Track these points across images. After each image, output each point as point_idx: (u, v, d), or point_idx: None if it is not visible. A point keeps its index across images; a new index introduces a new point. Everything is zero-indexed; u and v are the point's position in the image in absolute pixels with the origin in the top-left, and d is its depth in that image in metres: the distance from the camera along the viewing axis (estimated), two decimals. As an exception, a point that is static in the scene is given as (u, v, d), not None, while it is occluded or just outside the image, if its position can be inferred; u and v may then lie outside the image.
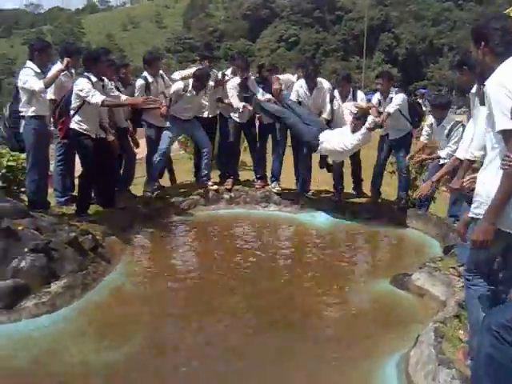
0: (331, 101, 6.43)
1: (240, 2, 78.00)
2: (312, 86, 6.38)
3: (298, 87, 6.47)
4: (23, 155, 5.37)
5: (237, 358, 3.18)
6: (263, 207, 6.65)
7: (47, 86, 5.03)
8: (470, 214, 2.53)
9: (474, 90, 3.73)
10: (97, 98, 4.97)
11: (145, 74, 6.47)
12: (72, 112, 5.17)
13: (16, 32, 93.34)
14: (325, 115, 6.45)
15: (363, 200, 6.62)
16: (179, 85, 6.40)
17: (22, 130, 5.10)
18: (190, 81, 6.40)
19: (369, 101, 6.58)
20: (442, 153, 5.27)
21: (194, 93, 6.38)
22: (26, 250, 3.92)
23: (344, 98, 6.46)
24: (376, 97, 6.31)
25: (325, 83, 6.50)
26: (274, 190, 6.74)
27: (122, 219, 5.50)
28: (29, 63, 5.04)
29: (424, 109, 10.67)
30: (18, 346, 3.19)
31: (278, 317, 3.76)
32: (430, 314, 3.54)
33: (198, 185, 6.92)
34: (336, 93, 6.49)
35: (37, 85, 4.91)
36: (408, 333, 3.36)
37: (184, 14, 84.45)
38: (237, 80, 6.59)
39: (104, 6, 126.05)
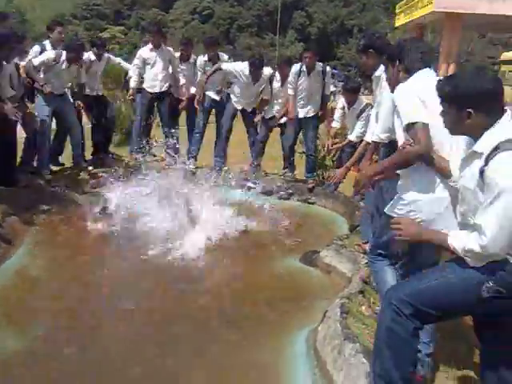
0: (270, 82, 6.59)
1: (152, -30, 74.90)
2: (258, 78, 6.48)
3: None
4: None
5: (143, 340, 3.13)
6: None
7: None
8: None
9: (377, 72, 3.87)
10: None
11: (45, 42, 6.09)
12: None
13: None
14: (265, 96, 6.70)
15: (274, 178, 6.74)
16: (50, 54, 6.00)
17: None
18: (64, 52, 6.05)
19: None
20: (351, 136, 5.47)
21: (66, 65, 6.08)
22: None
23: (284, 80, 6.49)
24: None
25: (266, 71, 6.56)
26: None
27: (25, 198, 5.17)
28: None
29: (334, 89, 10.97)
30: None
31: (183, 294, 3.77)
32: (336, 291, 3.69)
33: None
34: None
35: None
36: (316, 309, 3.48)
37: (92, -22, 79.62)
38: None
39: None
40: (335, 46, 53.06)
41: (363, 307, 3.29)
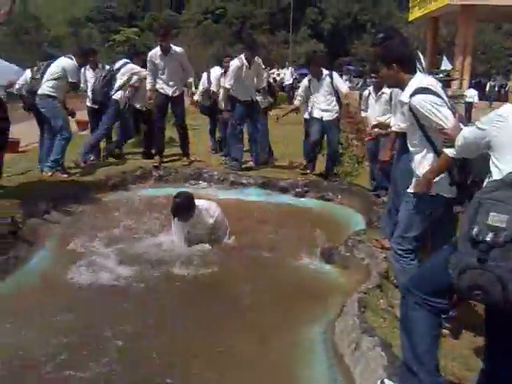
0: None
1: (165, -29, 75.27)
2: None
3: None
4: None
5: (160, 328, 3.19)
6: (192, 185, 6.62)
7: None
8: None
9: None
10: None
11: None
12: None
13: None
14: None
15: (291, 176, 6.76)
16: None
17: None
18: None
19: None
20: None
21: None
22: None
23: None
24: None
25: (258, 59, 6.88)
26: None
27: (45, 199, 5.26)
28: None
29: (350, 85, 11.02)
30: None
31: (203, 285, 3.85)
32: (354, 285, 3.70)
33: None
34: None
35: None
36: (334, 304, 3.50)
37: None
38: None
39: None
40: (349, 41, 52.64)
41: (381, 301, 3.30)
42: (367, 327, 2.89)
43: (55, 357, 2.84)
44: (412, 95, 2.80)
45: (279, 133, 9.42)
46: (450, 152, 2.59)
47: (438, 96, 2.78)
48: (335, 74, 6.46)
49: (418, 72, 2.95)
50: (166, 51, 6.74)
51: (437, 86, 2.86)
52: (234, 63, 6.79)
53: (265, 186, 6.48)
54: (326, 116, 6.38)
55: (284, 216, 5.66)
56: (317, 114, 6.43)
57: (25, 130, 9.91)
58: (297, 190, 6.36)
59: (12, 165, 6.72)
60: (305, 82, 6.72)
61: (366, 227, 4.88)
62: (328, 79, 6.31)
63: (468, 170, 2.67)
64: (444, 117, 2.71)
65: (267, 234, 4.97)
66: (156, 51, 6.82)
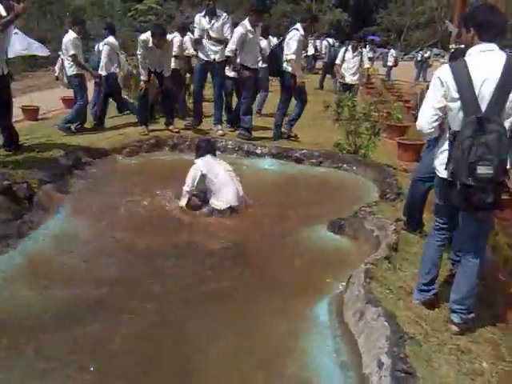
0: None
1: None
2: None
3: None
4: None
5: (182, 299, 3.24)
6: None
7: None
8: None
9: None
10: None
11: None
12: None
13: None
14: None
15: (306, 146, 6.71)
16: None
17: None
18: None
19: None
20: None
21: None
22: (-45, 197, 3.76)
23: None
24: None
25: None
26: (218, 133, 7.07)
27: (60, 166, 5.33)
28: None
29: (372, 55, 11.30)
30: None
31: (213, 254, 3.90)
32: (362, 257, 3.68)
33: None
34: None
35: None
36: (342, 275, 3.50)
37: None
38: None
39: None
40: (374, 11, 51.21)
41: (388, 273, 3.28)
42: (372, 298, 2.89)
43: (79, 313, 2.98)
44: None
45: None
46: None
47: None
48: None
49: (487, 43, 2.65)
50: (212, 13, 6.81)
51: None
52: (238, 30, 6.72)
53: (279, 157, 6.45)
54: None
55: (297, 185, 5.65)
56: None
57: (46, 98, 10.05)
58: (311, 160, 6.31)
59: (30, 132, 6.81)
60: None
61: (378, 199, 4.83)
62: None
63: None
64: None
65: (279, 203, 4.97)
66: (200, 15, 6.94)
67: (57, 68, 7.92)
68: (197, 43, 7.09)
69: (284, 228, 4.42)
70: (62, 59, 7.35)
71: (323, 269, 3.69)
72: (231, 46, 6.69)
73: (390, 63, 19.84)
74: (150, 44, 6.69)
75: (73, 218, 4.42)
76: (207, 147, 5.02)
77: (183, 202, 4.68)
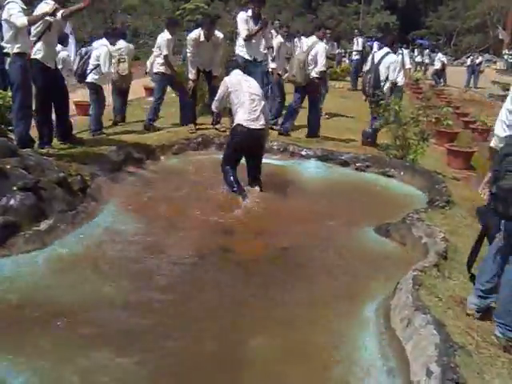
0: None
1: None
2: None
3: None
4: (10, 93, 5.28)
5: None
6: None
7: (30, 23, 4.89)
8: None
9: None
10: (21, 19, 4.79)
11: None
12: (34, 40, 5.11)
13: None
14: None
15: (352, 149, 6.66)
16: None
17: (7, 67, 4.97)
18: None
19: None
20: None
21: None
22: (14, 188, 3.93)
23: None
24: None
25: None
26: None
27: (111, 160, 5.49)
28: None
29: (421, 60, 10.97)
30: (7, 280, 3.23)
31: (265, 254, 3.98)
32: (410, 263, 3.63)
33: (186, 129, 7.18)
34: None
35: (19, 20, 4.76)
36: (389, 280, 3.46)
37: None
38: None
39: None
40: (423, 14, 50.16)
41: (437, 281, 3.23)
42: (421, 305, 2.85)
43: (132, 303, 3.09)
44: None
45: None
46: None
47: None
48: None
49: None
50: (257, 18, 6.91)
51: None
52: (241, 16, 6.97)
53: (325, 159, 6.42)
54: None
55: (344, 189, 5.62)
56: None
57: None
58: (357, 164, 6.26)
59: (83, 126, 7.04)
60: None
61: (426, 206, 4.75)
62: None
63: None
64: None
65: (325, 206, 4.96)
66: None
67: (148, 63, 8.30)
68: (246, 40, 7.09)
69: (331, 231, 4.40)
70: (81, 55, 7.38)
71: (370, 273, 3.67)
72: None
73: (436, 67, 19.43)
74: (202, 38, 6.81)
75: (123, 212, 4.54)
76: (235, 63, 5.54)
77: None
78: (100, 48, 7.22)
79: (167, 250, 3.91)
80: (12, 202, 3.83)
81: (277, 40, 8.07)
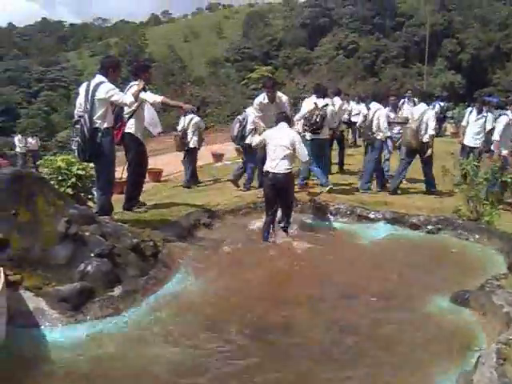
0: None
1: (299, 12, 78.19)
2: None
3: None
4: (91, 164, 5.64)
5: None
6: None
7: (136, 101, 5.45)
8: None
9: None
10: (128, 97, 5.36)
11: None
12: (126, 117, 5.91)
13: (85, 45, 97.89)
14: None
15: (423, 211, 6.47)
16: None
17: (98, 141, 5.28)
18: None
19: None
20: None
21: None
22: (92, 254, 4.12)
23: None
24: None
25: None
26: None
27: (182, 226, 5.65)
28: (102, 78, 5.24)
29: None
30: (82, 347, 3.32)
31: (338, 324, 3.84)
32: (491, 334, 3.40)
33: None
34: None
35: (128, 99, 5.31)
36: (468, 352, 3.26)
37: (243, 24, 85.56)
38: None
39: (167, 19, 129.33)
40: (490, 71, 49.48)
41: (524, 354, 2.98)
42: (507, 382, 2.63)
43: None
44: None
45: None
46: None
47: None
48: None
49: None
50: (272, 100, 7.13)
51: None
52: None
53: (394, 222, 6.27)
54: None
55: (414, 253, 5.44)
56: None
57: (168, 161, 10.88)
58: (428, 226, 6.05)
59: (155, 192, 7.37)
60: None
61: (506, 271, 4.48)
62: None
63: None
64: None
65: (397, 271, 4.81)
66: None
67: (236, 129, 8.17)
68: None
69: (404, 297, 4.25)
70: (240, 121, 8.11)
71: (448, 344, 3.45)
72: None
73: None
74: (265, 100, 7.08)
75: (193, 278, 4.61)
76: (279, 117, 6.02)
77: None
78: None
79: (235, 323, 3.83)
80: (89, 268, 4.00)
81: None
